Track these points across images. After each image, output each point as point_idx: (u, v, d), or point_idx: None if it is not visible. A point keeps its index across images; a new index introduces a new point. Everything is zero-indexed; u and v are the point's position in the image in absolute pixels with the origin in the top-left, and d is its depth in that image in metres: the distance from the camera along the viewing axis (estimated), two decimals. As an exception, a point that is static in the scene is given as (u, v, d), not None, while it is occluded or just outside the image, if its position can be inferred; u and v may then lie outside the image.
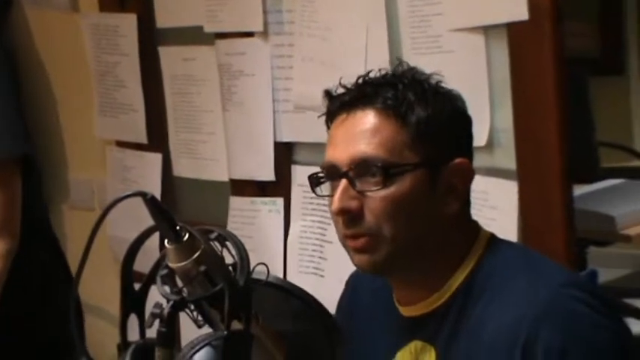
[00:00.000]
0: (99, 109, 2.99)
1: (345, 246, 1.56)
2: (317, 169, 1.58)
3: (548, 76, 1.95)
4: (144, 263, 1.33)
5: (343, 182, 1.52)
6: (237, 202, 2.64)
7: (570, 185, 1.99)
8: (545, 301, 1.46)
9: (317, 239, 2.45)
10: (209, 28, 2.62)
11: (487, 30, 2.04)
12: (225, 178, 2.66)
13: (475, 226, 1.60)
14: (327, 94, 1.59)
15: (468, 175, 1.57)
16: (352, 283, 1.76)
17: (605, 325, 1.46)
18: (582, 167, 2.41)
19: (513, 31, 2.00)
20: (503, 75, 2.03)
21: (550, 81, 1.95)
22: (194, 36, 2.67)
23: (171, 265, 1.26)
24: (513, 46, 2.00)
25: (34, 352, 1.90)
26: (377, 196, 1.50)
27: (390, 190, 1.50)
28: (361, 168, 1.51)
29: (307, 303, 1.36)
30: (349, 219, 1.51)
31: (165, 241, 1.25)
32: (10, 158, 1.88)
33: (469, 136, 1.61)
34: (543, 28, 1.94)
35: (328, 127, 1.59)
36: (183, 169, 2.80)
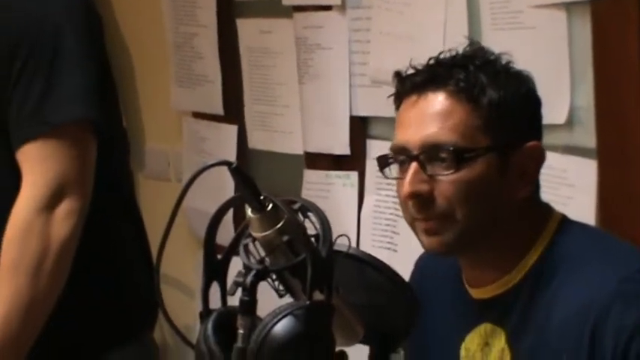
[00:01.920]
0: (175, 80, 3.02)
1: (413, 228, 1.55)
2: (392, 143, 1.57)
3: (631, 54, 1.92)
4: (218, 235, 1.34)
5: (414, 165, 1.51)
6: (311, 176, 2.65)
7: (652, 166, 1.97)
8: (618, 286, 1.44)
9: (391, 214, 2.45)
10: (287, 1, 2.62)
11: (569, 6, 2.02)
12: (300, 151, 2.67)
13: (546, 208, 1.59)
14: (398, 75, 1.58)
15: (540, 158, 1.55)
16: (421, 266, 1.75)
17: None
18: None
19: (597, 7, 1.97)
20: (584, 52, 2.01)
21: (634, 58, 1.92)
22: (272, 8, 2.68)
23: (254, 234, 1.27)
24: (596, 23, 1.97)
25: (109, 323, 1.92)
26: (448, 180, 1.49)
27: (462, 174, 1.49)
28: (432, 152, 1.50)
29: (388, 276, 1.36)
30: (420, 203, 1.51)
31: (249, 210, 1.26)
32: (82, 121, 1.89)
33: (540, 119, 1.58)
34: (628, 4, 1.91)
35: (397, 108, 1.58)
36: (258, 141, 2.81)
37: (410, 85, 1.55)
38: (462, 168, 1.49)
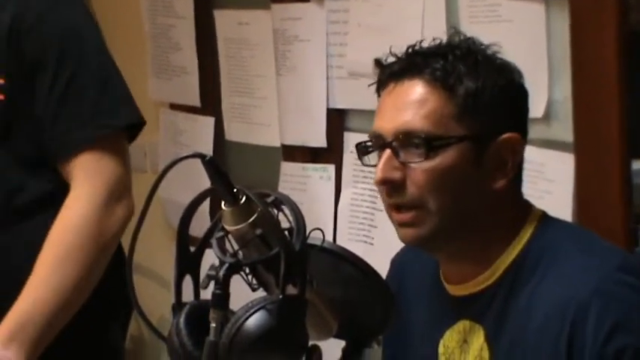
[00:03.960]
0: (153, 71, 3.00)
1: (390, 219, 1.55)
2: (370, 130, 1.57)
3: (609, 48, 1.92)
4: (193, 227, 1.33)
5: (387, 152, 1.51)
6: (288, 168, 2.64)
7: (629, 159, 1.97)
8: (597, 284, 1.43)
9: (367, 207, 2.44)
10: (265, -8, 2.61)
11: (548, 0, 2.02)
12: (277, 144, 2.66)
13: (526, 204, 1.58)
14: (378, 63, 1.58)
15: (519, 150, 1.53)
16: (397, 264, 1.74)
17: None
18: (638, 142, 2.37)
19: (575, 0, 1.97)
20: (562, 46, 2.01)
21: (611, 53, 1.92)
22: (250, 0, 2.67)
23: (227, 227, 1.26)
24: (575, 17, 1.97)
25: (85, 313, 1.91)
26: (420, 167, 1.49)
27: (434, 162, 1.48)
28: (405, 139, 1.50)
29: (362, 269, 1.35)
30: (391, 189, 1.50)
31: (222, 203, 1.25)
32: (136, 124, 1.95)
33: (524, 111, 1.57)
34: (606, -2, 1.92)
35: (379, 96, 1.57)
36: (235, 133, 2.80)
37: (388, 74, 1.55)
38: (434, 156, 1.48)
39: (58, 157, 1.92)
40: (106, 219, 1.89)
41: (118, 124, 1.94)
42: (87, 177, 1.90)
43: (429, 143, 1.48)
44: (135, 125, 1.99)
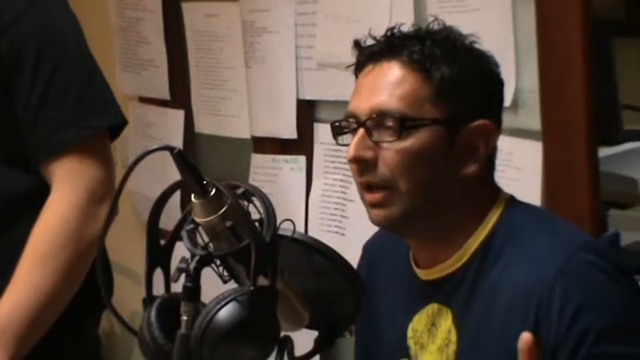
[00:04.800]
0: (121, 65, 2.99)
1: (363, 200, 1.56)
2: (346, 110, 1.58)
3: (575, 37, 1.93)
4: (164, 220, 1.33)
5: (361, 131, 1.52)
6: (258, 160, 2.64)
7: (595, 147, 1.98)
8: (562, 265, 1.45)
9: (339, 197, 2.45)
10: (233, -16, 2.61)
11: (514, -12, 2.03)
12: (247, 136, 2.66)
13: (496, 189, 1.59)
14: (357, 44, 1.59)
15: (491, 137, 1.55)
16: (369, 250, 1.75)
17: (620, 292, 1.46)
18: (605, 129, 2.39)
19: (541, -10, 1.98)
20: (529, 35, 2.02)
21: (577, 41, 1.93)
22: (218, -8, 2.66)
23: (197, 219, 1.26)
24: (540, 6, 1.99)
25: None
26: (392, 147, 1.50)
27: (406, 143, 1.50)
28: (379, 119, 1.51)
29: (333, 260, 1.36)
30: (363, 167, 1.52)
31: (192, 195, 1.25)
32: (119, 124, 1.93)
33: (499, 100, 1.59)
34: (571, -13, 1.93)
35: (356, 77, 1.59)
36: (205, 125, 2.80)
37: (367, 55, 1.56)
38: (407, 137, 1.50)
39: (39, 158, 1.89)
40: (87, 221, 1.86)
41: (100, 125, 1.91)
42: (68, 179, 1.87)
43: (402, 124, 1.50)
44: (117, 125, 1.96)
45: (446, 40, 1.54)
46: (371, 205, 1.53)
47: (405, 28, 1.58)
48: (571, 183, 1.98)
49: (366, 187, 1.53)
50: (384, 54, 1.54)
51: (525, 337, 1.25)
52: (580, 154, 1.96)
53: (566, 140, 1.97)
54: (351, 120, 1.55)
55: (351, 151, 1.52)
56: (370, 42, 1.58)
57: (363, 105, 1.53)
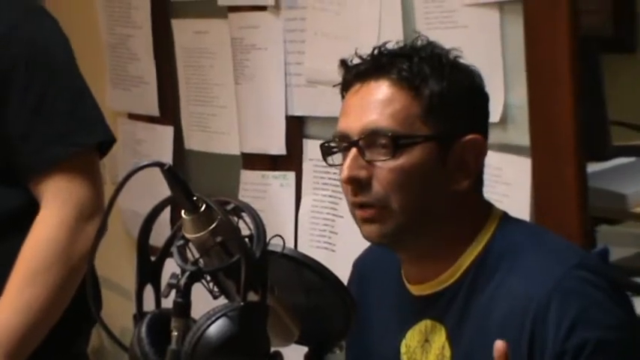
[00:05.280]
0: (111, 81, 2.99)
1: (354, 216, 1.55)
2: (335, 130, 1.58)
3: (563, 53, 1.95)
4: (154, 237, 1.33)
5: (353, 151, 1.52)
6: (248, 176, 2.64)
7: (584, 162, 1.99)
8: (557, 281, 1.45)
9: (328, 213, 2.45)
10: (222, 1, 2.62)
11: (502, 5, 2.04)
12: (237, 152, 2.66)
13: (487, 205, 1.60)
14: (343, 63, 1.59)
15: (481, 151, 1.56)
16: (359, 266, 1.75)
17: (614, 307, 1.46)
18: (594, 145, 2.40)
19: (529, 6, 1.99)
20: (517, 51, 2.03)
21: (565, 58, 1.94)
22: (207, 9, 2.67)
23: (187, 235, 1.26)
24: (529, 23, 2.00)
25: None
26: (385, 166, 1.50)
27: (399, 161, 1.50)
28: (371, 138, 1.51)
29: (323, 275, 1.36)
30: (357, 187, 1.52)
31: (182, 211, 1.25)
32: (108, 142, 1.94)
33: (485, 113, 1.60)
34: (559, 4, 1.94)
35: (343, 97, 1.59)
36: (194, 142, 2.80)
37: (354, 74, 1.56)
38: (400, 155, 1.50)
39: (28, 175, 1.89)
40: (76, 239, 1.87)
41: (89, 142, 1.92)
42: (57, 197, 1.88)
43: (395, 142, 1.50)
44: (106, 142, 1.96)
45: (432, 57, 1.54)
46: (363, 221, 1.53)
47: (390, 45, 1.58)
48: (560, 199, 1.98)
49: (358, 205, 1.53)
50: (372, 72, 1.54)
51: (499, 345, 1.26)
52: (569, 169, 1.97)
53: (555, 156, 1.98)
54: (341, 140, 1.55)
55: (345, 171, 1.51)
56: (357, 61, 1.57)
57: (353, 124, 1.53)
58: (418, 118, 1.51)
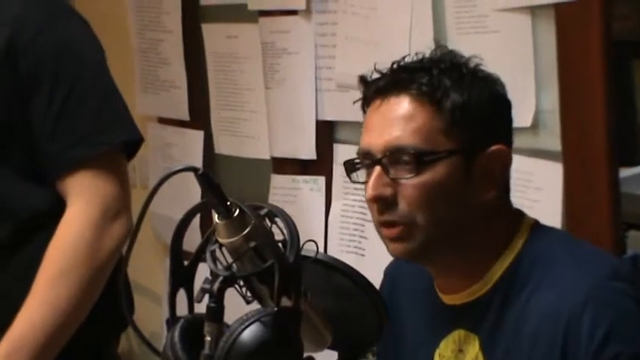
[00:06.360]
0: (141, 85, 3.01)
1: (380, 234, 1.55)
2: (358, 147, 1.57)
3: (595, 58, 1.93)
4: (185, 241, 1.33)
5: (377, 169, 1.51)
6: (278, 181, 2.64)
7: (616, 168, 1.98)
8: (590, 292, 1.44)
9: (358, 218, 2.45)
10: (253, 6, 2.62)
11: (534, 10, 2.03)
12: (267, 156, 2.67)
13: (518, 213, 1.58)
14: (362, 79, 1.58)
15: (506, 161, 1.54)
16: (391, 274, 1.74)
17: None
18: (624, 150, 2.38)
19: (561, 11, 1.98)
20: (549, 56, 2.02)
21: (597, 63, 1.93)
22: (238, 13, 2.68)
23: (221, 240, 1.26)
24: (561, 27, 1.99)
25: (82, 332, 1.91)
26: (410, 183, 1.49)
27: (424, 177, 1.49)
28: (395, 155, 1.49)
29: (355, 281, 1.36)
30: (383, 206, 1.50)
31: (215, 216, 1.25)
32: (135, 141, 1.95)
33: (508, 121, 1.58)
34: (592, 9, 1.93)
35: (364, 112, 1.58)
36: (224, 146, 2.81)
37: (374, 90, 1.55)
38: (424, 171, 1.49)
39: (55, 174, 1.90)
40: (101, 238, 1.87)
41: (114, 141, 1.92)
42: (83, 195, 1.88)
43: (419, 159, 1.48)
44: (133, 142, 1.97)
45: (452, 68, 1.52)
46: (390, 239, 1.52)
47: (409, 59, 1.56)
48: (591, 204, 1.97)
49: (384, 224, 1.52)
50: (392, 88, 1.52)
51: None
52: (601, 175, 1.96)
53: (586, 161, 1.97)
54: (365, 157, 1.53)
55: (370, 190, 1.50)
56: (376, 76, 1.56)
57: (376, 142, 1.51)
58: (441, 132, 1.49)
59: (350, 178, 1.58)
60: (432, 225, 1.49)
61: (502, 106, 1.56)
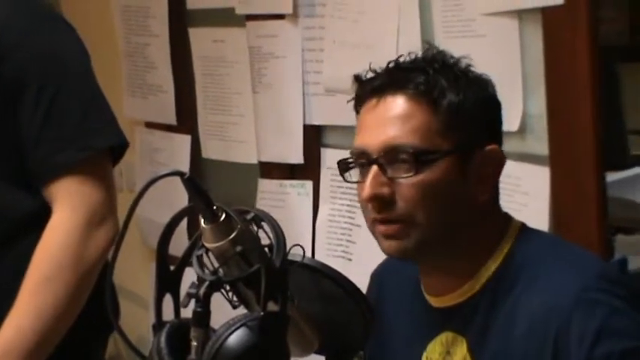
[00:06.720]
0: (128, 89, 3.00)
1: (373, 231, 1.54)
2: (346, 152, 1.57)
3: (582, 62, 1.94)
4: (171, 246, 1.33)
5: (374, 169, 1.50)
6: (265, 185, 2.64)
7: (603, 172, 1.98)
8: (578, 293, 1.44)
9: (346, 222, 2.44)
10: (240, 10, 2.62)
11: (521, 14, 2.03)
12: (254, 161, 2.66)
13: (506, 216, 1.59)
14: (357, 78, 1.57)
15: (500, 161, 1.55)
16: (377, 277, 1.74)
17: (637, 317, 1.45)
18: (611, 154, 2.39)
19: (548, 15, 1.98)
20: (536, 60, 2.02)
21: (584, 67, 1.93)
22: (225, 17, 2.67)
23: (207, 245, 1.25)
24: (548, 31, 1.99)
25: (69, 337, 1.91)
26: (408, 182, 1.49)
27: (422, 176, 1.49)
28: (392, 154, 1.49)
29: (342, 285, 1.36)
30: (381, 205, 1.50)
31: (202, 221, 1.25)
32: (120, 146, 1.94)
33: (499, 122, 1.58)
34: (578, 13, 1.93)
35: (357, 112, 1.57)
36: (212, 151, 2.81)
37: (369, 89, 1.54)
38: (422, 170, 1.49)
39: (41, 179, 1.90)
40: (87, 244, 1.87)
41: (99, 146, 1.92)
42: (68, 201, 1.88)
43: (417, 158, 1.48)
44: (118, 147, 1.97)
45: (446, 68, 1.53)
46: (385, 237, 1.52)
47: (403, 59, 1.56)
48: (579, 208, 1.98)
49: (380, 221, 1.52)
50: (388, 87, 1.52)
51: None
52: (588, 179, 1.96)
53: (574, 165, 1.97)
54: (360, 157, 1.53)
55: (368, 190, 1.50)
56: (370, 75, 1.56)
57: (372, 141, 1.51)
58: (438, 131, 1.49)
59: (343, 177, 1.57)
60: (430, 224, 1.49)
61: (494, 106, 1.57)
